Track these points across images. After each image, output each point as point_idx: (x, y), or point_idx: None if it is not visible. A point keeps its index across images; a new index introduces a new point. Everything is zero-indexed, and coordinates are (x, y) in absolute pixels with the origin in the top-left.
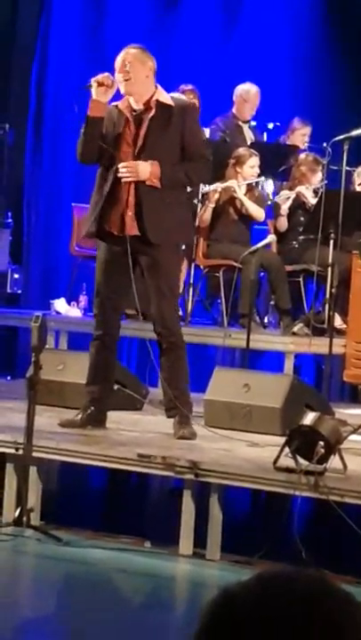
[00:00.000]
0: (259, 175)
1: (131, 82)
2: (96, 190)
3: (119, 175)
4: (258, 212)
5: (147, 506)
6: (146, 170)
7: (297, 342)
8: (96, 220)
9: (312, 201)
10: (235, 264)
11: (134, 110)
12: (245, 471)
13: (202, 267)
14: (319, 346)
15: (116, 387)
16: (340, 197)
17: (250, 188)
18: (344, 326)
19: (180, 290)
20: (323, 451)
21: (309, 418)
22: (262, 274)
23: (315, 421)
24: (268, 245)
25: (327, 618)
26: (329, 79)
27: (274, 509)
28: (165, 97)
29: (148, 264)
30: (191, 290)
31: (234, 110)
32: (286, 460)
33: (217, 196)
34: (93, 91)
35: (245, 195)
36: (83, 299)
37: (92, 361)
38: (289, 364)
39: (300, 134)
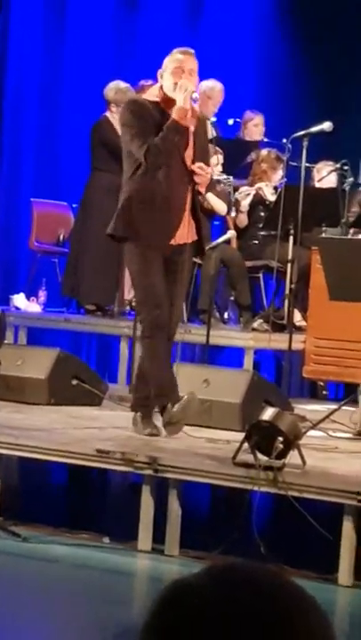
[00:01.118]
0: (221, 172)
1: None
2: (146, 196)
3: (197, 178)
4: (220, 206)
5: (106, 501)
6: (210, 173)
7: (257, 338)
8: (162, 230)
9: (272, 198)
10: (195, 259)
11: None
12: (204, 466)
13: None
14: (279, 342)
15: (75, 382)
16: (300, 193)
17: (212, 184)
18: (304, 322)
19: None
20: (282, 446)
21: (268, 413)
22: (222, 269)
23: (274, 417)
24: (227, 241)
25: (278, 612)
26: (289, 76)
27: (233, 505)
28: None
29: (184, 269)
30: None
31: (196, 107)
32: (245, 456)
33: None
34: (184, 98)
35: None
36: (42, 294)
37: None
38: (249, 360)
39: (252, 125)
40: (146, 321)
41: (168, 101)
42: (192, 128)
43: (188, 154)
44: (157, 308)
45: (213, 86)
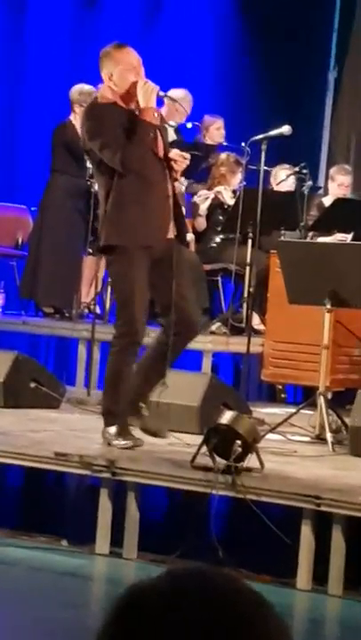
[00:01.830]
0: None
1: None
2: (135, 198)
3: (176, 166)
4: None
5: (64, 504)
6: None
7: (215, 341)
8: (159, 227)
9: (231, 202)
10: None
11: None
12: (162, 470)
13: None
14: (237, 345)
15: (33, 385)
16: (259, 197)
17: None
18: (262, 326)
19: (99, 288)
20: (240, 449)
21: (227, 417)
22: None
23: (232, 420)
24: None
25: (236, 617)
26: (247, 79)
27: (191, 508)
28: None
29: (181, 260)
30: (109, 288)
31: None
32: (204, 459)
33: None
34: (149, 98)
35: None
36: (0, 297)
37: None
38: (207, 363)
39: (214, 129)
40: (119, 333)
41: (125, 99)
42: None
43: (160, 146)
44: (134, 325)
45: (184, 97)
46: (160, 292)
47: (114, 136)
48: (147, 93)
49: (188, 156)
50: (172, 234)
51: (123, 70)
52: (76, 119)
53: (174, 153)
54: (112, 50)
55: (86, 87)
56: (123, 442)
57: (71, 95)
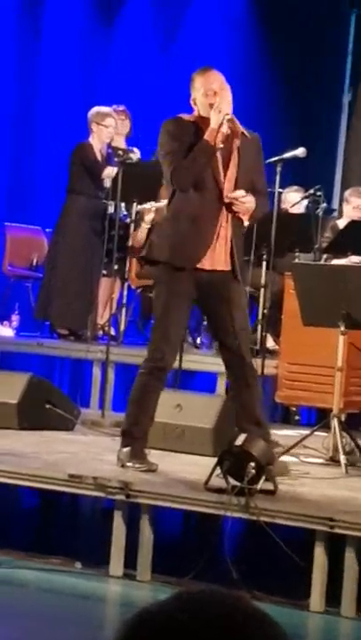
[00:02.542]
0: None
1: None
2: (181, 216)
3: (235, 207)
4: None
5: (78, 526)
6: (251, 204)
7: None
8: (192, 250)
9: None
10: None
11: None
12: (176, 492)
13: (135, 287)
14: None
15: (47, 406)
16: (273, 219)
17: None
18: (276, 347)
19: (113, 310)
20: (254, 472)
21: (241, 439)
22: None
23: (246, 442)
24: None
25: (241, 638)
26: (262, 102)
27: (205, 530)
28: (241, 127)
29: (229, 298)
30: (124, 310)
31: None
32: (217, 481)
33: (151, 215)
34: (216, 120)
35: None
36: (15, 318)
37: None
38: (221, 385)
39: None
40: (149, 356)
41: (204, 121)
42: (236, 145)
43: (230, 176)
44: (160, 349)
45: None
46: (214, 325)
47: (178, 150)
48: (215, 112)
49: (248, 199)
50: (224, 266)
51: (203, 95)
52: (95, 139)
53: (230, 196)
54: (195, 75)
55: (104, 109)
56: (137, 465)
57: (89, 116)
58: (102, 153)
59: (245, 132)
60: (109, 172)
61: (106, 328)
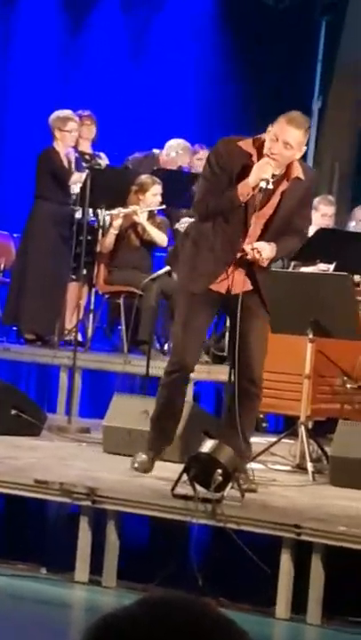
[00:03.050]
0: (161, 203)
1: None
2: (198, 240)
3: (248, 256)
4: (160, 238)
5: (43, 532)
6: (269, 255)
7: (197, 369)
8: (203, 277)
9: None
10: (136, 291)
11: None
12: (143, 498)
13: (102, 293)
14: (219, 373)
15: (13, 412)
16: None
17: (151, 215)
18: None
19: (81, 316)
20: (220, 478)
21: (208, 445)
22: (163, 301)
23: (213, 449)
24: (169, 273)
25: None
26: (231, 108)
27: (171, 537)
28: (299, 170)
29: (251, 316)
30: (91, 316)
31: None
32: (184, 488)
33: (119, 221)
34: (255, 178)
35: (148, 221)
36: None
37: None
38: (189, 391)
39: (195, 159)
40: (169, 364)
41: (260, 154)
42: (281, 189)
43: (265, 212)
44: (178, 359)
45: (185, 147)
46: (230, 344)
47: (209, 180)
48: (257, 171)
49: (265, 251)
50: (239, 289)
51: (270, 138)
52: (59, 145)
53: (249, 246)
54: (282, 116)
55: (64, 112)
56: (135, 464)
57: (50, 122)
58: (69, 158)
59: (300, 176)
60: (77, 177)
61: (73, 334)
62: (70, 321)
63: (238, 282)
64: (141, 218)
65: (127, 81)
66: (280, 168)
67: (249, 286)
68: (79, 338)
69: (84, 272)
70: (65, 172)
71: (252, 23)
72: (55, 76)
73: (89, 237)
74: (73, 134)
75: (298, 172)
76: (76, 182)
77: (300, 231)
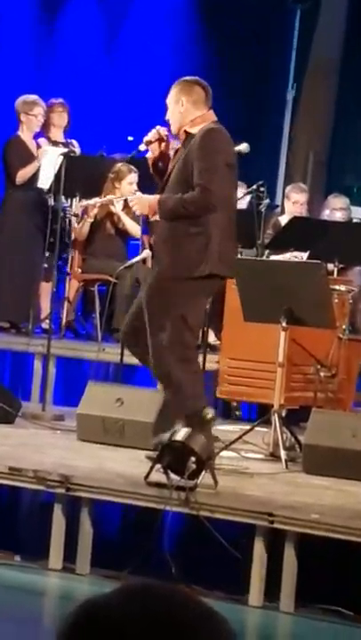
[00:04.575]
0: (136, 191)
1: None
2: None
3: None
4: (134, 228)
5: (17, 519)
6: (144, 205)
7: None
8: None
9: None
10: (110, 279)
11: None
12: (117, 486)
13: (78, 281)
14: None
15: None
16: None
17: (126, 204)
18: (218, 342)
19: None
20: (194, 466)
21: (181, 433)
22: (137, 288)
23: (187, 437)
24: (143, 260)
25: (189, 631)
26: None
27: (145, 524)
28: (199, 126)
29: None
30: (66, 304)
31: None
32: (158, 476)
33: (95, 210)
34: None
35: (122, 210)
36: None
37: None
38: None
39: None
40: (193, 338)
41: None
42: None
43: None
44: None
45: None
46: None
47: None
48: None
49: (134, 202)
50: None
51: None
52: (24, 131)
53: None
54: None
55: (30, 97)
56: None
57: (16, 106)
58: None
59: (189, 131)
60: (24, 173)
61: (47, 321)
62: (44, 309)
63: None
64: (117, 207)
65: (102, 69)
66: (174, 131)
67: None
68: (53, 326)
69: (58, 260)
70: (13, 169)
71: (227, 11)
72: (29, 64)
73: (63, 225)
74: (39, 119)
75: (189, 128)
76: (24, 178)
77: (197, 185)
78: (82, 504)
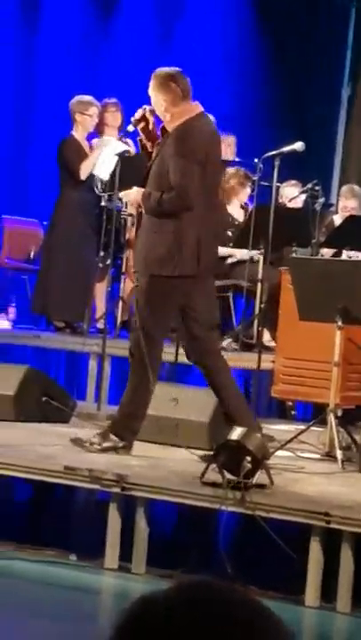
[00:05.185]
0: None
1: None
2: None
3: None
4: None
5: (73, 519)
6: (133, 198)
7: (226, 357)
8: None
9: (239, 216)
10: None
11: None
12: (172, 485)
13: (132, 281)
14: (248, 361)
15: (43, 399)
16: (271, 213)
17: None
18: (273, 342)
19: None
20: (249, 466)
21: (237, 433)
22: None
23: (242, 436)
24: None
25: (244, 630)
26: (261, 96)
27: (200, 524)
28: (171, 124)
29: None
30: (121, 303)
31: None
32: (213, 475)
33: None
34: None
35: None
36: (12, 310)
37: None
38: None
39: (225, 145)
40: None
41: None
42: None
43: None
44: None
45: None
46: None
47: None
48: None
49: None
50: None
51: None
52: (78, 131)
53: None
54: None
55: (86, 97)
56: None
57: (71, 106)
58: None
59: (169, 128)
60: (86, 166)
61: (102, 321)
62: (99, 308)
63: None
64: None
65: (156, 66)
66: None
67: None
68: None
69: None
70: (77, 162)
71: (282, 9)
72: (83, 63)
73: (117, 225)
74: (94, 119)
75: (167, 125)
76: (88, 169)
77: (173, 185)
78: (137, 503)
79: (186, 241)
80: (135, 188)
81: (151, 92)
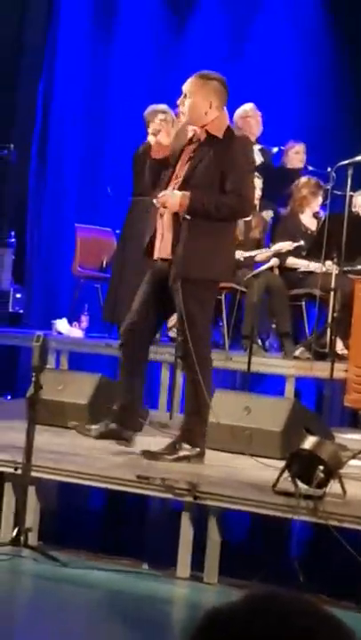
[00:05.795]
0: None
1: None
2: None
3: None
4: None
5: (145, 528)
6: (175, 201)
7: (298, 366)
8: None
9: (311, 226)
10: (237, 287)
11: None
12: (244, 494)
13: None
14: (320, 370)
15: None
16: (344, 222)
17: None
18: (346, 351)
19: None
20: (322, 475)
21: (309, 442)
22: (265, 297)
23: (315, 446)
24: (271, 268)
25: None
26: (334, 104)
27: (273, 533)
28: (214, 129)
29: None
30: None
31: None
32: (286, 484)
33: None
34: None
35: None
36: (84, 319)
37: None
38: (290, 388)
39: (293, 153)
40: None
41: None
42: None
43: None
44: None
45: (246, 107)
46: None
47: None
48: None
49: (165, 200)
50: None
51: None
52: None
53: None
54: None
55: (160, 106)
56: None
57: (146, 115)
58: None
59: (214, 134)
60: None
61: (174, 330)
62: (171, 317)
63: (157, 246)
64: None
65: (227, 74)
66: (190, 123)
67: (166, 253)
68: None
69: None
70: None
71: (355, 22)
72: (156, 74)
73: None
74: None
75: (212, 129)
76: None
77: (231, 191)
78: (209, 512)
79: (231, 248)
80: (177, 191)
81: (196, 90)
